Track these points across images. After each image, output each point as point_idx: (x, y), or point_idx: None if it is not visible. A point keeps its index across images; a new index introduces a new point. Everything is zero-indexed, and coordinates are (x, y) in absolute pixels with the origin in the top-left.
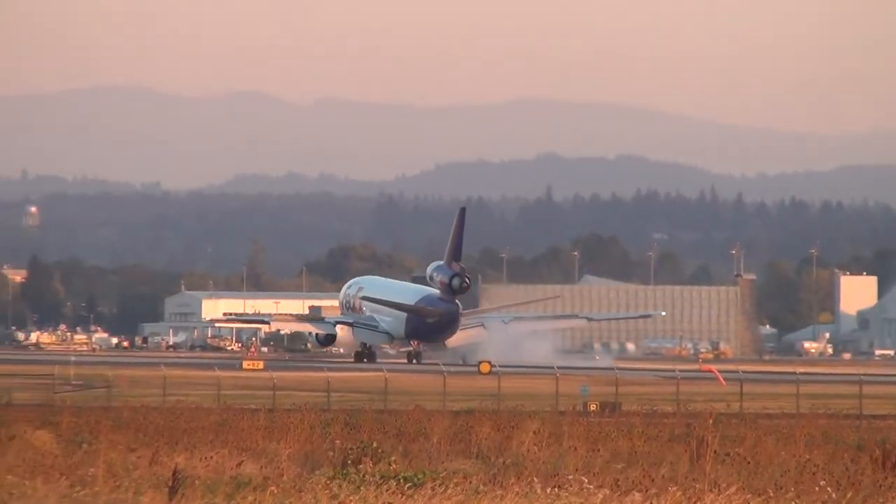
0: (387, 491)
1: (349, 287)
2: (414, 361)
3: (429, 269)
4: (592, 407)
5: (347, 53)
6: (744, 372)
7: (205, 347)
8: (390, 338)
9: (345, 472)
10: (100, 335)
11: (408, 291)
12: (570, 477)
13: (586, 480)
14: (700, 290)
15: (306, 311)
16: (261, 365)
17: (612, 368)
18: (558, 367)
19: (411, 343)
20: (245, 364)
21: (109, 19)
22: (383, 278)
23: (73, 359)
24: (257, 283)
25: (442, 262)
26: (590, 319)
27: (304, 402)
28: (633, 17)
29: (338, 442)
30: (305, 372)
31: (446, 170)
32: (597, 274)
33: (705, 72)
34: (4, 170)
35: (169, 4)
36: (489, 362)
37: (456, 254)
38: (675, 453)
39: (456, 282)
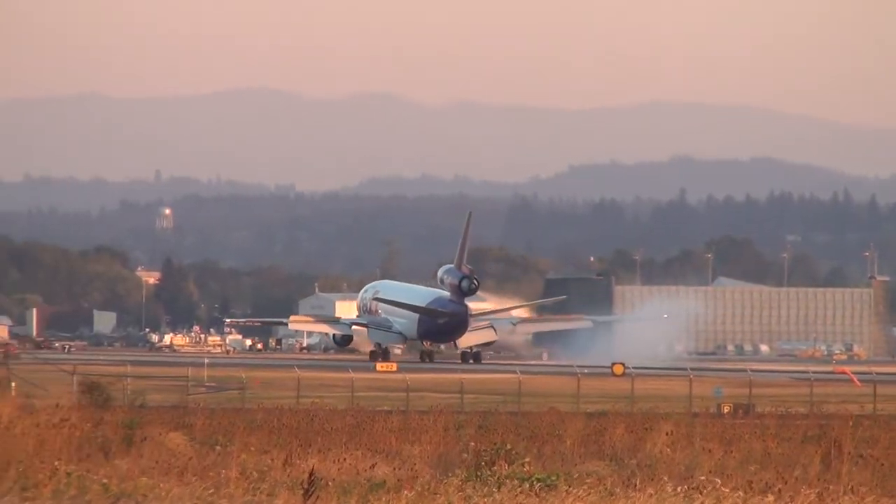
0: (520, 493)
1: (365, 291)
2: (426, 360)
3: (439, 272)
4: (726, 408)
5: (482, 56)
6: (877, 373)
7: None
8: (403, 338)
9: (478, 474)
10: (233, 337)
11: (420, 294)
12: (703, 478)
13: (719, 482)
14: (833, 292)
15: None
16: (394, 367)
17: (744, 370)
18: (692, 369)
19: (423, 343)
20: (378, 366)
21: (245, 21)
22: (397, 282)
23: (206, 361)
24: None
25: (452, 266)
26: (594, 321)
27: (438, 404)
28: (764, 20)
29: (472, 444)
30: (439, 374)
31: (580, 171)
32: (730, 276)
33: (839, 74)
34: (139, 171)
35: (306, 8)
36: (622, 364)
37: (465, 257)
38: (808, 455)
39: (465, 283)
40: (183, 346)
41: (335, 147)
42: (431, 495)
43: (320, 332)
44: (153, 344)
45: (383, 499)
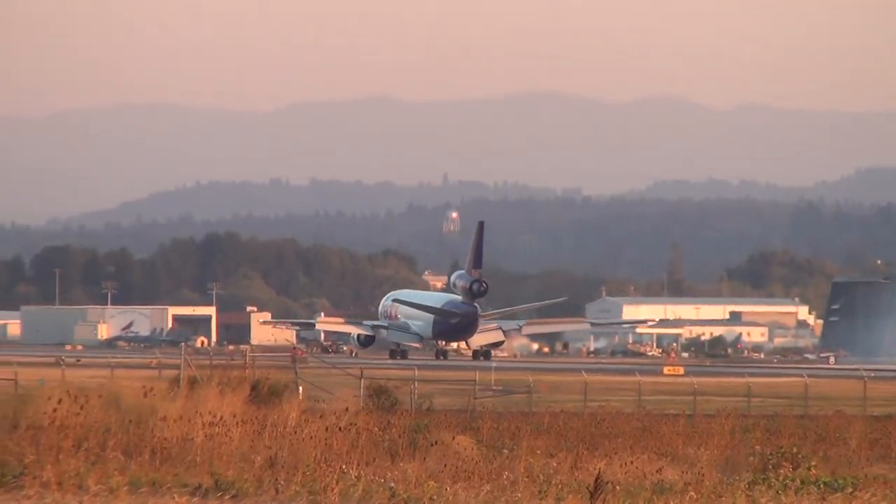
0: (806, 496)
1: (387, 299)
2: (441, 358)
3: (452, 277)
4: None
5: (769, 58)
6: None
7: (626, 353)
8: (420, 338)
9: (764, 477)
10: (520, 341)
11: (435, 298)
12: None
13: None
14: None
15: (727, 317)
16: (681, 370)
17: None
18: None
19: (438, 343)
20: (665, 369)
21: (532, 25)
22: (415, 291)
23: (493, 364)
24: (677, 289)
25: (463, 271)
26: (592, 324)
27: (724, 408)
28: None
29: (757, 447)
30: (726, 377)
31: (867, 175)
32: None
33: None
34: (427, 175)
35: (591, 11)
36: None
37: (476, 262)
38: None
39: (475, 286)
40: (470, 350)
41: (622, 150)
42: (717, 498)
43: (346, 333)
44: (440, 348)
45: (669, 502)
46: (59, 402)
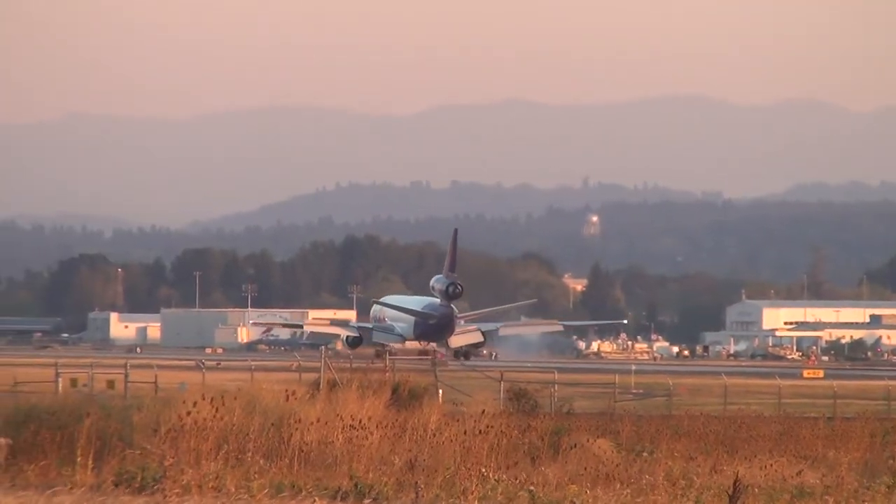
0: None
1: (376, 304)
2: (423, 356)
3: (431, 281)
4: None
5: None
6: None
7: (765, 356)
8: (403, 339)
9: None
10: (660, 344)
11: (416, 301)
12: None
13: None
14: None
15: (867, 320)
16: (821, 373)
17: None
18: None
19: (420, 343)
20: (805, 372)
21: (671, 28)
22: (401, 295)
23: (633, 367)
24: (817, 292)
25: (441, 275)
26: (565, 325)
27: (864, 411)
28: None
29: None
30: (866, 381)
31: None
32: None
33: None
34: (567, 178)
35: (734, 14)
36: None
37: (451, 266)
38: None
39: (451, 289)
40: (610, 353)
41: (762, 153)
42: (857, 502)
43: (336, 334)
44: (580, 351)
45: None
46: (194, 404)
